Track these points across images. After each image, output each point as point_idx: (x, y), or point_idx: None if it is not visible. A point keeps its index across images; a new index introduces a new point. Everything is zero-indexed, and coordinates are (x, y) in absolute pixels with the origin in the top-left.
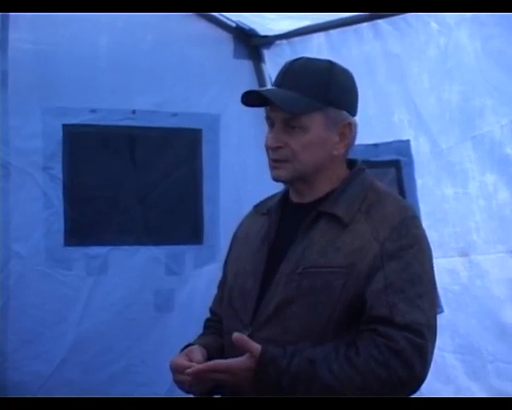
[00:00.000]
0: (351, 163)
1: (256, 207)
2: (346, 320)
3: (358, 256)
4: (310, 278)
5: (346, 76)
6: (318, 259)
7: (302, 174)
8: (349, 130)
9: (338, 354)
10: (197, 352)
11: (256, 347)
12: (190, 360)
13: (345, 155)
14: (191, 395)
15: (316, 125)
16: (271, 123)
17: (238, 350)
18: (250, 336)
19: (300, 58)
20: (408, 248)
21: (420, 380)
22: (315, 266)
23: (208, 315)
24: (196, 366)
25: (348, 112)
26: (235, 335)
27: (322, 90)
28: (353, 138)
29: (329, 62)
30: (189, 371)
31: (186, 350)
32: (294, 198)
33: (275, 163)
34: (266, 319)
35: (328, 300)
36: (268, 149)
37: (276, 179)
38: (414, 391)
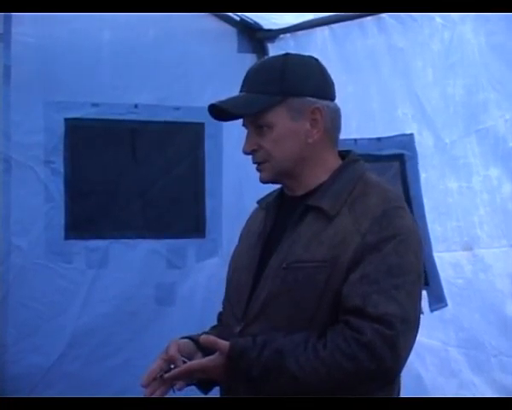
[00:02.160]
0: (346, 155)
1: (258, 202)
2: (333, 315)
3: (341, 249)
4: (294, 273)
5: (303, 63)
6: (303, 253)
7: (283, 170)
8: (320, 114)
9: (307, 345)
10: (173, 346)
11: (224, 344)
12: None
13: (324, 140)
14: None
15: (280, 118)
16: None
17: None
18: (242, 330)
19: (257, 61)
20: (390, 239)
21: (391, 372)
22: (299, 260)
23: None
24: (172, 371)
25: (314, 97)
26: (202, 337)
27: (278, 83)
28: (331, 122)
29: (284, 55)
30: (166, 375)
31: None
32: (288, 192)
33: (258, 166)
34: (256, 314)
35: (312, 295)
36: (246, 155)
37: (262, 182)
38: (388, 383)
